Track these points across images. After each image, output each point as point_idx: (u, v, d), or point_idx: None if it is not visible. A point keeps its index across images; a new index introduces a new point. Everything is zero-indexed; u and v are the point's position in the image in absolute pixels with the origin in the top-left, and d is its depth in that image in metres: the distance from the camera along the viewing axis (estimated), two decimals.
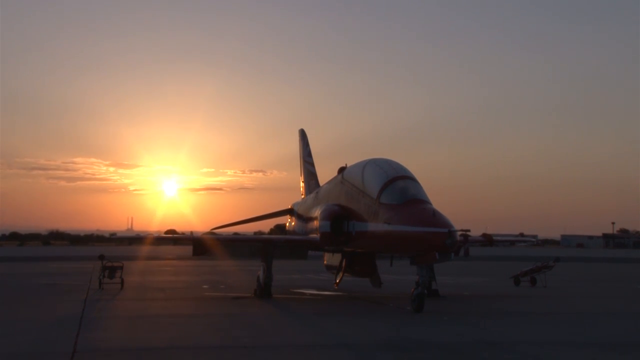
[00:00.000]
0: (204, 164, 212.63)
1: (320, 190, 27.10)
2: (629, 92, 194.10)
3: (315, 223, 23.94)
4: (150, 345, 13.50)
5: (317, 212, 24.10)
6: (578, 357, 12.58)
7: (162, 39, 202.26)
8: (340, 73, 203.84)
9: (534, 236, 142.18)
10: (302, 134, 34.81)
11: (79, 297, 23.63)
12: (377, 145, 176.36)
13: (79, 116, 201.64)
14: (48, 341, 13.96)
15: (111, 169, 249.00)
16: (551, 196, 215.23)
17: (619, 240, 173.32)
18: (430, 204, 19.71)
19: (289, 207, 30.93)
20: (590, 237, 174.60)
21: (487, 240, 26.63)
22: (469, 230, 19.60)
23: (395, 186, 20.23)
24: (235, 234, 35.64)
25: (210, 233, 28.32)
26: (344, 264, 26.09)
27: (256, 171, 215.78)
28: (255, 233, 47.23)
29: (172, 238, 35.65)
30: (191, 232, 28.47)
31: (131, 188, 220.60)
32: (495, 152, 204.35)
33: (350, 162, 24.26)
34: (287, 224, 31.29)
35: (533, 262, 35.89)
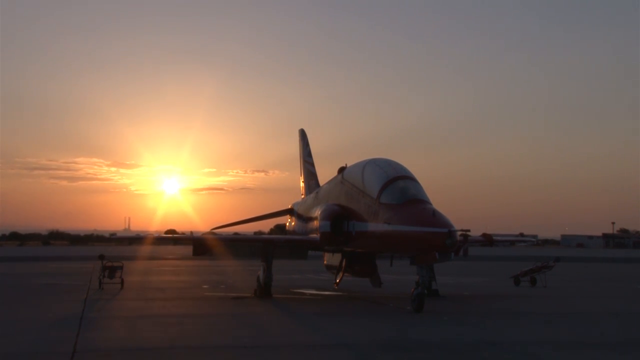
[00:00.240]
0: (206, 164, 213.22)
1: (320, 190, 27.09)
2: (629, 92, 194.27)
3: (315, 223, 23.94)
4: (150, 345, 13.49)
5: (317, 212, 24.10)
6: (578, 357, 12.58)
7: (164, 39, 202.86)
8: (341, 74, 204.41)
9: (534, 236, 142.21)
10: (302, 134, 34.79)
11: (79, 297, 23.62)
12: (377, 146, 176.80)
13: (81, 116, 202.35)
14: (48, 341, 13.95)
15: (113, 169, 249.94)
16: (551, 196, 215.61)
17: (619, 240, 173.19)
18: (430, 204, 19.70)
19: (289, 207, 30.93)
20: (590, 237, 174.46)
21: (487, 240, 26.61)
22: (469, 230, 19.59)
23: (396, 186, 20.22)
24: (236, 234, 35.61)
25: (210, 233, 28.31)
26: (344, 264, 26.09)
27: (258, 171, 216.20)
28: (255, 233, 47.30)
29: (172, 238, 35.67)
30: (191, 232, 28.48)
31: (132, 188, 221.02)
32: (496, 152, 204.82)
33: (350, 162, 24.28)
34: (287, 224, 31.28)
35: (533, 262, 35.85)
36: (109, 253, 35.30)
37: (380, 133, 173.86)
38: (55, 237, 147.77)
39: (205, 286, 29.22)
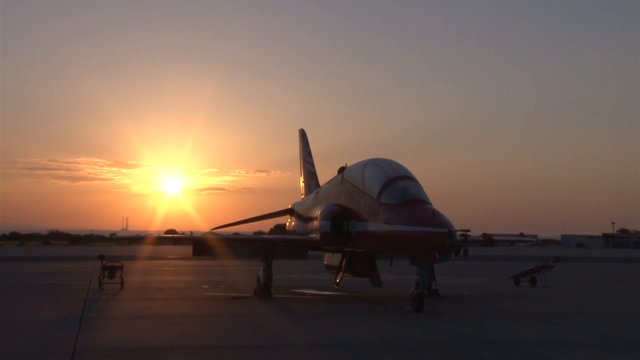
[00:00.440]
0: (208, 164, 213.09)
1: (320, 190, 27.08)
2: (629, 92, 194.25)
3: (315, 223, 23.94)
4: (150, 345, 13.49)
5: (317, 212, 24.09)
6: (578, 357, 12.57)
7: (165, 39, 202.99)
8: (341, 74, 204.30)
9: (534, 236, 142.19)
10: (302, 134, 34.79)
11: (79, 297, 23.62)
12: (376, 146, 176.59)
13: (83, 117, 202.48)
14: (48, 341, 13.95)
15: (114, 169, 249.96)
16: (551, 196, 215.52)
17: (619, 240, 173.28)
18: (430, 203, 19.70)
19: (289, 207, 30.93)
20: (590, 237, 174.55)
21: (487, 240, 26.58)
22: (469, 230, 19.56)
23: (396, 186, 20.22)
24: (236, 234, 35.63)
25: (210, 233, 28.31)
26: (344, 263, 26.08)
27: (260, 171, 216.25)
28: (255, 233, 47.25)
29: (172, 238, 35.58)
30: (191, 232, 28.48)
31: (133, 188, 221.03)
32: (496, 152, 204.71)
33: (350, 162, 24.27)
34: (287, 224, 31.28)
35: (533, 262, 35.84)
36: (109, 253, 35.30)
37: (380, 133, 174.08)
38: (55, 237, 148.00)
39: (205, 286, 29.21)
